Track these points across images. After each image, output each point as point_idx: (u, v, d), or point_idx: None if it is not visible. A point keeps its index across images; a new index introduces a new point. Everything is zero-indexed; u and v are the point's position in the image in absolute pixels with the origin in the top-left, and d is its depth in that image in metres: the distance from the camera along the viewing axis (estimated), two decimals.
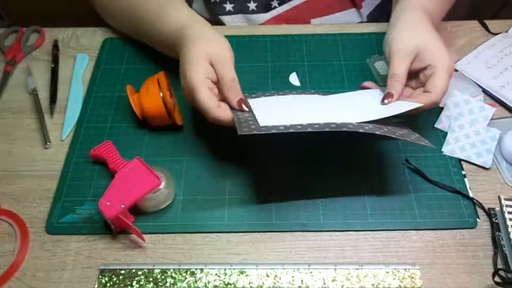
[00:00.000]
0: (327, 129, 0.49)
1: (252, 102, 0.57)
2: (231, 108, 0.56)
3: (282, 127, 0.50)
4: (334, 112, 0.57)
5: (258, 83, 0.69)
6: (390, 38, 0.59)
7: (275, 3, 0.79)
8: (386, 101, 0.57)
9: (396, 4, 0.65)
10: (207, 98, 0.53)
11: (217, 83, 0.57)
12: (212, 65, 0.56)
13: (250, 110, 0.55)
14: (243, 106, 0.55)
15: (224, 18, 0.80)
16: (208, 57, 0.56)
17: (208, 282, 0.52)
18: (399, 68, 0.57)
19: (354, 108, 0.58)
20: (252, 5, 0.79)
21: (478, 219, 0.56)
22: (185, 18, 0.62)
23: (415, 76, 0.60)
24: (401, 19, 0.60)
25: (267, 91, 0.64)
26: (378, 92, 0.59)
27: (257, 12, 0.79)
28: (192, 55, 0.56)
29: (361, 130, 0.50)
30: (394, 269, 0.52)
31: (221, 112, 0.54)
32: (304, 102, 0.60)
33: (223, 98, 0.57)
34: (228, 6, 0.79)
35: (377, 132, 0.50)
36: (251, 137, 0.50)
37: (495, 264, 0.52)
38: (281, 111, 0.56)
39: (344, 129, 0.50)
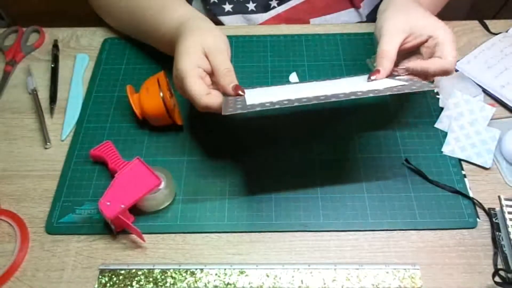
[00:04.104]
0: (315, 102, 0.47)
1: (247, 90, 0.56)
2: (224, 95, 0.54)
3: (268, 104, 0.48)
4: (325, 89, 0.54)
5: (258, 83, 0.69)
6: (381, 22, 0.58)
7: (274, 3, 0.79)
8: (372, 77, 0.55)
9: None
10: (197, 86, 0.53)
11: (212, 74, 0.56)
12: (206, 56, 0.55)
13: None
14: (239, 91, 0.53)
15: (223, 19, 0.80)
16: (202, 47, 0.55)
17: (208, 282, 0.52)
18: (388, 44, 0.55)
19: (346, 86, 0.56)
20: (251, 6, 0.79)
21: (478, 219, 0.56)
22: (185, 14, 0.62)
23: (415, 54, 0.58)
24: (391, 5, 0.59)
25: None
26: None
27: (256, 12, 0.79)
28: (185, 45, 0.55)
29: (352, 97, 0.47)
30: (394, 269, 0.52)
31: (211, 99, 0.53)
32: (299, 85, 0.59)
33: (217, 88, 0.56)
34: (227, 7, 0.79)
35: (371, 94, 0.48)
36: (234, 116, 0.47)
37: (495, 264, 0.52)
38: (272, 92, 0.55)
39: (333, 99, 0.47)
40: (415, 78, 0.55)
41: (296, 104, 0.47)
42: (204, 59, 0.55)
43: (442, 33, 0.55)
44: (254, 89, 0.59)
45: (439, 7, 0.70)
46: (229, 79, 0.54)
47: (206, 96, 0.53)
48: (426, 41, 0.56)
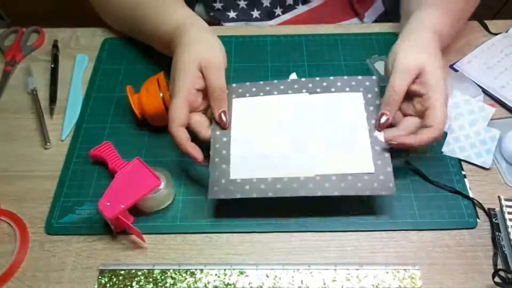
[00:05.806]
0: (288, 195, 0.53)
1: (237, 100, 0.58)
2: (213, 120, 0.57)
3: (247, 187, 0.53)
4: (306, 156, 0.56)
5: None
6: (396, 51, 0.56)
7: (278, 11, 0.79)
8: (380, 125, 0.55)
9: (406, 19, 0.63)
10: (178, 111, 0.54)
11: (205, 89, 0.57)
12: (202, 71, 0.56)
13: (229, 124, 0.57)
14: (223, 117, 0.56)
15: (227, 25, 0.80)
16: (199, 62, 0.55)
17: (208, 283, 0.52)
18: (398, 86, 0.54)
19: (328, 146, 0.56)
20: (255, 13, 0.79)
21: (478, 219, 0.56)
22: (183, 17, 0.62)
23: (410, 99, 0.56)
24: (411, 38, 0.57)
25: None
26: (360, 98, 0.57)
27: (260, 19, 0.79)
28: (183, 60, 0.56)
29: (318, 194, 0.52)
30: (394, 269, 0.52)
31: (179, 132, 0.54)
32: (289, 99, 0.59)
33: (209, 105, 0.57)
34: (232, 14, 0.79)
35: (336, 193, 0.52)
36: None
37: (495, 264, 0.52)
38: (255, 148, 0.56)
39: (302, 194, 0.52)
40: (392, 142, 0.54)
41: (270, 194, 0.53)
42: (199, 78, 0.56)
43: (437, 94, 0.54)
44: (242, 99, 0.59)
45: (455, 34, 0.69)
46: (219, 104, 0.56)
47: (178, 126, 0.54)
48: (421, 95, 0.54)
